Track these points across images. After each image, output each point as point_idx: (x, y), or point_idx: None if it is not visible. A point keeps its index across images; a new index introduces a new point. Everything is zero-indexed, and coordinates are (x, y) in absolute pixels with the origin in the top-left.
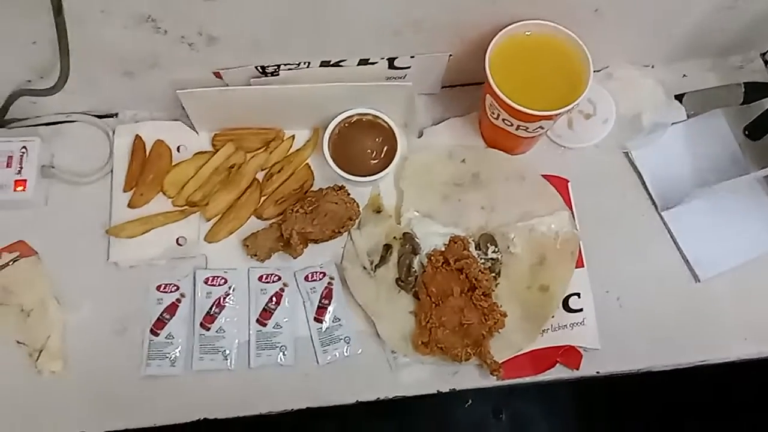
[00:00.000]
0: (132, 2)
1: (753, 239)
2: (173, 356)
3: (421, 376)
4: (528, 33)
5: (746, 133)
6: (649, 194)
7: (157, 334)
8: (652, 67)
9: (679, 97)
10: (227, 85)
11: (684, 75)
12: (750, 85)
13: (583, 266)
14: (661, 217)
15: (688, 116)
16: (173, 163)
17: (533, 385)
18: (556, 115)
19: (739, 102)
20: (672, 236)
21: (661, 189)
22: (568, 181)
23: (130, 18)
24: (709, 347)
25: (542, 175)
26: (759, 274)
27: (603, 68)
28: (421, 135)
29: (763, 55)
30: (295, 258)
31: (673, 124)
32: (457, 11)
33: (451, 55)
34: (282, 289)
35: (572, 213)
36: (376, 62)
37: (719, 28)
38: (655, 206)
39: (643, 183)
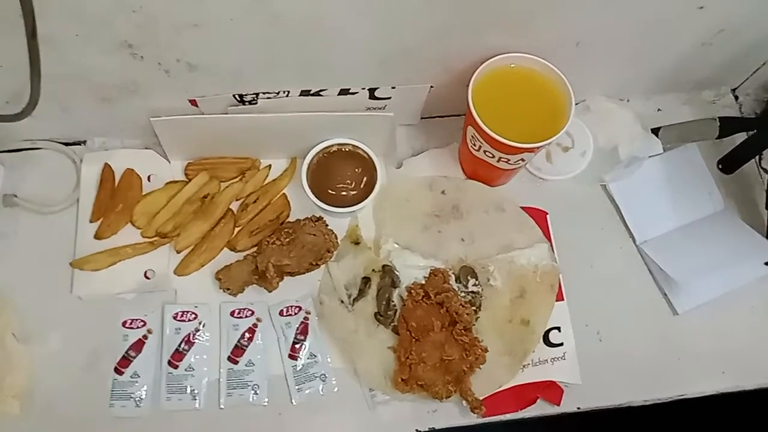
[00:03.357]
0: (110, 27)
1: (730, 272)
2: (138, 396)
3: (399, 415)
4: (512, 66)
5: (719, 166)
6: (626, 226)
7: (121, 373)
8: (628, 100)
9: (655, 131)
10: (203, 113)
11: (659, 109)
12: (725, 120)
13: (563, 299)
14: (639, 250)
15: (665, 149)
16: (143, 193)
17: (505, 425)
18: (538, 147)
19: (714, 136)
20: (649, 269)
21: (639, 221)
22: (546, 213)
23: (106, 43)
24: (686, 381)
25: (521, 207)
26: (736, 307)
27: (581, 101)
28: (400, 166)
29: (733, 90)
30: (270, 291)
31: (650, 157)
32: (439, 44)
33: (432, 87)
34: (255, 325)
35: (551, 245)
36: (357, 92)
37: (695, 64)
38: (633, 238)
39: (621, 215)
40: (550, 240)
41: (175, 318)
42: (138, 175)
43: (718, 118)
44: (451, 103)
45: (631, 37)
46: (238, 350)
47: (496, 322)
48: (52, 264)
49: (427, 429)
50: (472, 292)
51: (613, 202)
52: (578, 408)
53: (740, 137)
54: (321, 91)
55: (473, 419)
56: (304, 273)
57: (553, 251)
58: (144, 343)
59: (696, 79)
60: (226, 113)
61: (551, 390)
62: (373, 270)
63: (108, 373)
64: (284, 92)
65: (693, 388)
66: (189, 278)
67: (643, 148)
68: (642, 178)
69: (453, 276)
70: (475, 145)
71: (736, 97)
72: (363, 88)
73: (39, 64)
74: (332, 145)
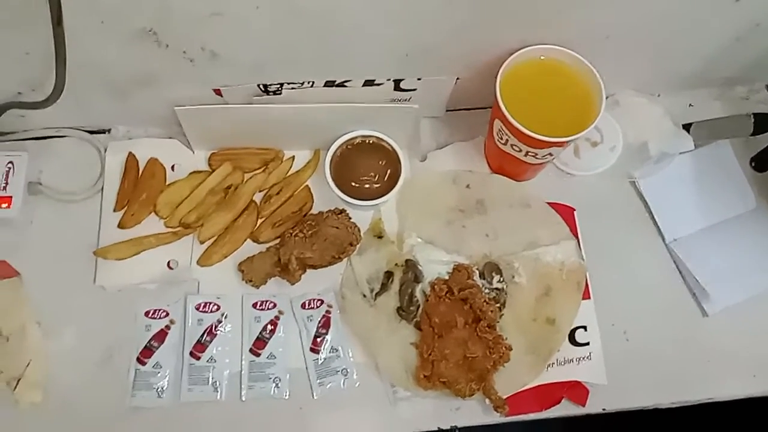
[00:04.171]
0: (134, 15)
1: (762, 273)
2: (160, 387)
3: (421, 412)
4: (542, 58)
5: (752, 164)
6: (656, 224)
7: (144, 363)
8: (659, 95)
9: (686, 127)
10: (227, 103)
11: (690, 104)
12: (760, 117)
13: (589, 298)
14: (668, 248)
15: (696, 146)
16: (167, 183)
17: (529, 425)
18: (568, 142)
19: (748, 133)
20: (678, 268)
21: (668, 219)
22: (574, 210)
23: (131, 31)
24: (716, 384)
25: (548, 203)
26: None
27: (610, 95)
28: (424, 159)
29: None
30: (292, 284)
31: (680, 153)
32: (466, 35)
33: (458, 78)
34: (277, 317)
35: (578, 242)
36: (382, 83)
37: (728, 58)
38: (662, 237)
39: (650, 213)
40: (577, 237)
41: (197, 309)
42: (162, 164)
43: (753, 114)
44: (477, 95)
45: (662, 30)
46: (260, 342)
47: (521, 320)
48: (76, 252)
49: (449, 427)
50: (497, 288)
51: (642, 199)
52: (604, 409)
53: None
54: (345, 82)
55: (496, 418)
56: (326, 266)
57: (580, 248)
58: (166, 333)
59: (729, 74)
60: (251, 103)
61: (576, 390)
62: (396, 264)
63: (129, 363)
64: (309, 83)
65: (722, 391)
66: (212, 269)
67: (673, 144)
68: (672, 175)
69: (477, 272)
70: (501, 138)
71: None
72: (388, 80)
73: (64, 52)
74: (356, 137)
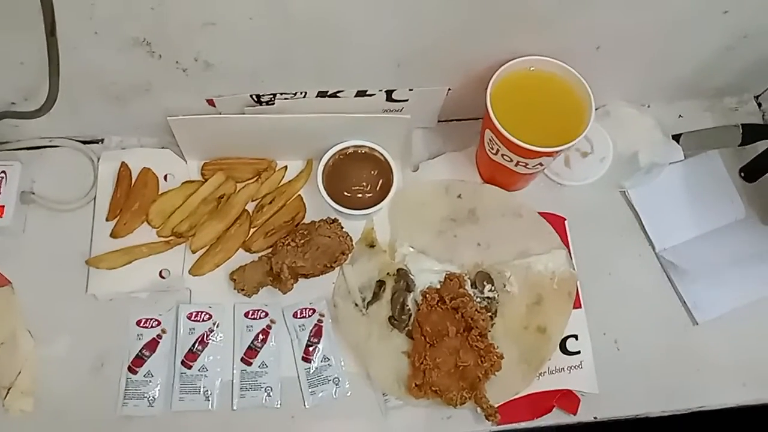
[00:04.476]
0: (128, 25)
1: (752, 282)
2: (151, 396)
3: (413, 421)
4: (532, 69)
5: (742, 174)
6: (646, 234)
7: (135, 372)
8: (649, 106)
9: (676, 137)
10: (220, 113)
11: (680, 115)
12: (748, 127)
13: (580, 307)
14: (658, 258)
15: (686, 156)
16: (160, 192)
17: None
18: (557, 152)
19: (736, 143)
20: (669, 277)
21: (658, 229)
22: (565, 219)
23: (124, 41)
24: (706, 393)
25: (539, 213)
26: (757, 317)
27: (601, 106)
28: (416, 169)
29: (756, 97)
30: (284, 293)
31: (670, 163)
32: (457, 46)
33: (449, 89)
34: (269, 326)
35: (569, 252)
36: (374, 94)
37: (717, 69)
38: (652, 246)
39: (640, 222)
40: (567, 246)
41: (189, 318)
42: (154, 174)
43: (741, 125)
44: (468, 106)
45: (652, 41)
46: (252, 352)
47: (512, 329)
48: (68, 261)
49: None
50: (488, 297)
51: (633, 209)
52: (595, 418)
53: (763, 145)
54: (338, 92)
55: (488, 427)
56: (318, 275)
57: (570, 258)
58: (158, 342)
59: (718, 85)
60: (244, 113)
61: (568, 399)
62: (388, 273)
63: (120, 372)
64: (301, 93)
65: (712, 399)
66: (203, 278)
67: (663, 154)
68: (662, 185)
69: (468, 281)
70: (492, 148)
71: (759, 104)
72: (380, 90)
73: (58, 61)
74: (348, 147)
